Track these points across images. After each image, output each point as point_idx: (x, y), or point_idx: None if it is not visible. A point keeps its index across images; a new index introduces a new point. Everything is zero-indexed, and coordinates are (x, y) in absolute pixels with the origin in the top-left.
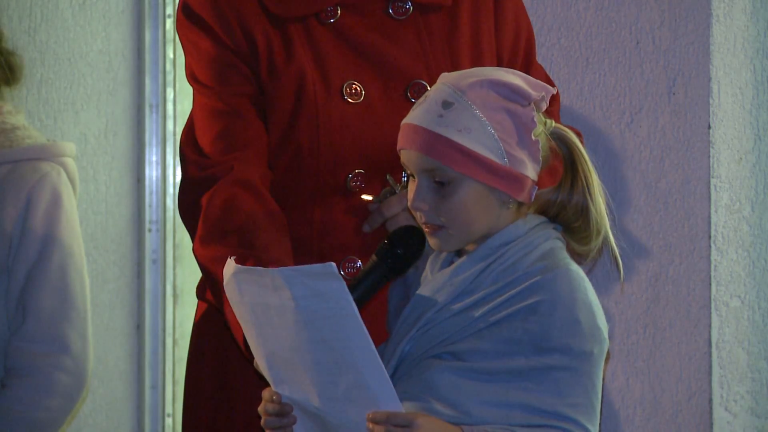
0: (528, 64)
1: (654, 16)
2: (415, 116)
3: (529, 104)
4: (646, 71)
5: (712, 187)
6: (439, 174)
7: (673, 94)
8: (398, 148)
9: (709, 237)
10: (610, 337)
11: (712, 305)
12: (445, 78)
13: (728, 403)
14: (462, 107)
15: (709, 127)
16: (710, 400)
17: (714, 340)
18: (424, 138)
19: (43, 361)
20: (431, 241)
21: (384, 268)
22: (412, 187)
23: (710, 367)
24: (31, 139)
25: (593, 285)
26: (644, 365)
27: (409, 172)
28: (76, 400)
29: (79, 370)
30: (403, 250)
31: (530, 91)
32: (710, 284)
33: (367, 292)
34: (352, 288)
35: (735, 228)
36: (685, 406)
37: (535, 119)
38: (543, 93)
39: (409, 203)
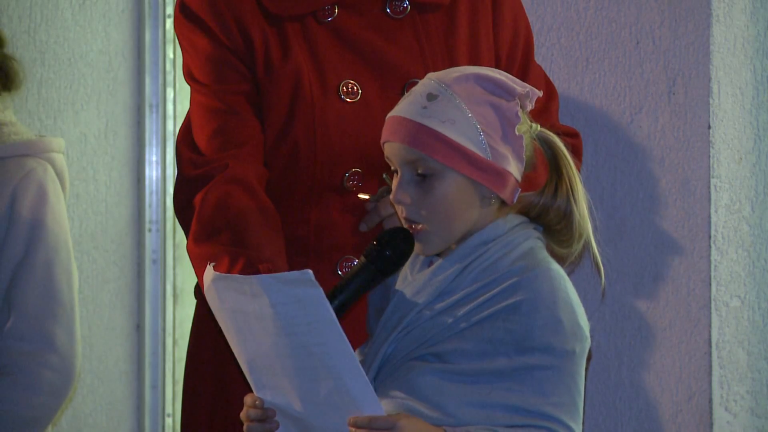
0: (526, 64)
1: (654, 16)
2: (399, 109)
3: (514, 99)
4: (646, 71)
5: (712, 187)
6: (421, 166)
7: (673, 94)
8: (382, 141)
9: (709, 237)
10: (611, 337)
11: (712, 305)
12: (432, 74)
13: (728, 403)
14: (447, 99)
15: (709, 127)
16: (710, 400)
17: (714, 340)
18: (408, 129)
19: (29, 358)
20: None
21: (372, 269)
22: (395, 182)
23: (710, 367)
24: (18, 135)
25: (592, 286)
26: (644, 365)
27: (392, 167)
28: (64, 397)
29: (66, 368)
30: (391, 251)
31: (515, 86)
32: (710, 284)
33: (355, 293)
34: (340, 289)
35: (735, 228)
36: (685, 406)
37: (519, 114)
38: (528, 90)
39: (391, 197)
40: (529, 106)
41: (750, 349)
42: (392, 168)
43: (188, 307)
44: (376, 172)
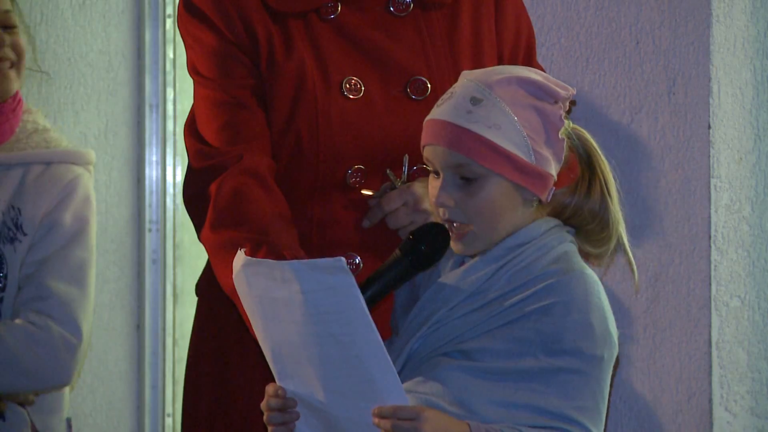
0: (528, 64)
1: (654, 16)
2: (442, 112)
3: (557, 103)
4: (646, 71)
5: (712, 187)
6: (466, 170)
7: (673, 94)
8: (423, 143)
9: (709, 237)
10: None
11: (712, 305)
12: (470, 75)
13: (728, 403)
14: (491, 103)
15: (709, 127)
16: (710, 400)
17: (714, 340)
18: (454, 133)
19: (57, 333)
20: (454, 246)
21: (406, 263)
22: (434, 184)
23: (710, 367)
24: (62, 141)
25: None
26: (644, 365)
27: (431, 168)
28: (56, 383)
29: (78, 358)
30: (427, 246)
31: (557, 89)
32: (710, 284)
33: (387, 287)
34: (372, 281)
35: (735, 228)
36: (685, 406)
37: (562, 118)
38: (569, 92)
39: (432, 199)
40: (568, 106)
41: (750, 349)
42: (431, 169)
43: (188, 307)
44: (379, 168)
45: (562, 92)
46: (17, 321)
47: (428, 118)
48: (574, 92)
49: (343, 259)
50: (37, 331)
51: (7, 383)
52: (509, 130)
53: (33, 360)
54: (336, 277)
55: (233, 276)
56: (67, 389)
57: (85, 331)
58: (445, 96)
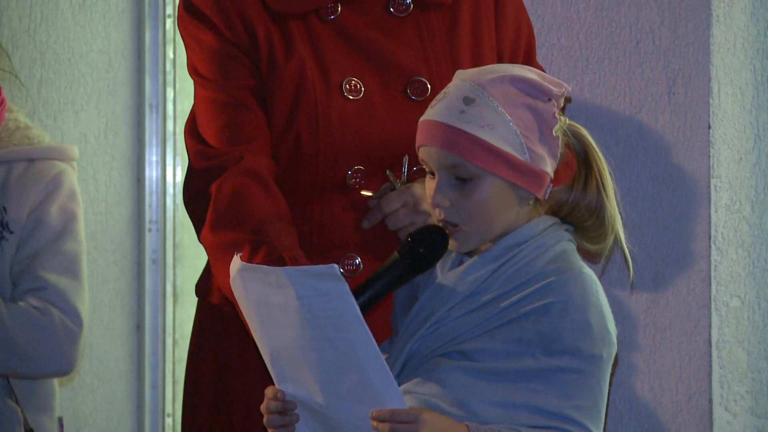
0: (528, 64)
1: (654, 16)
2: (435, 113)
3: (550, 100)
4: (646, 71)
5: (712, 187)
6: (460, 170)
7: (673, 94)
8: (417, 145)
9: (709, 237)
10: None
11: (712, 305)
12: (463, 74)
13: (728, 403)
14: (484, 103)
15: (709, 127)
16: (710, 400)
17: (714, 340)
18: (447, 134)
19: (61, 322)
20: (450, 244)
21: (404, 265)
22: (431, 184)
23: (710, 367)
24: (44, 138)
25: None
26: (644, 365)
27: (427, 169)
28: (56, 370)
29: (80, 346)
30: (425, 249)
31: (551, 87)
32: (710, 284)
33: (385, 288)
34: (370, 283)
35: (735, 228)
36: (685, 406)
37: (555, 115)
38: (563, 90)
39: (428, 200)
40: (562, 103)
41: (750, 349)
42: (427, 170)
43: (188, 307)
44: (379, 169)
45: (555, 89)
46: (20, 303)
47: (422, 118)
48: (569, 89)
49: (336, 266)
50: (39, 316)
51: (5, 367)
52: (502, 130)
53: (32, 344)
54: (329, 284)
55: (230, 281)
56: (57, 388)
57: (84, 319)
58: (438, 96)
